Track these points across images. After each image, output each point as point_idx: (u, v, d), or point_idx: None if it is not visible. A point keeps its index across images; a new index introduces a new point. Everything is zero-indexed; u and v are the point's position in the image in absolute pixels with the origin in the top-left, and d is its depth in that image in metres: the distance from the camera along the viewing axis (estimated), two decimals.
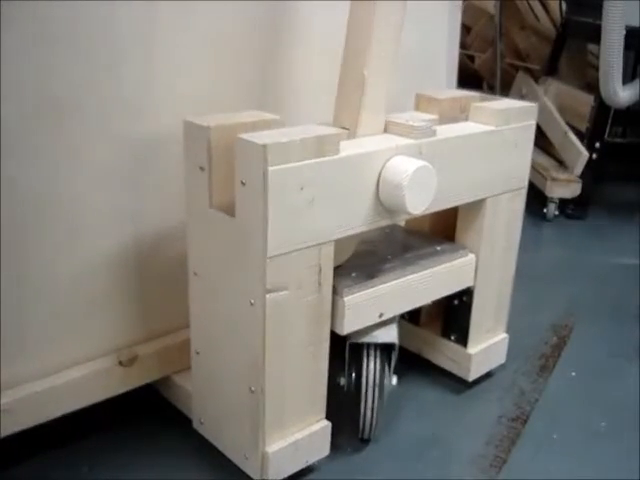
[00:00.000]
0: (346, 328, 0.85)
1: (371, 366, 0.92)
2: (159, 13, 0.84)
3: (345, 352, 0.93)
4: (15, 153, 0.77)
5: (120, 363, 0.91)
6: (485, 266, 1.03)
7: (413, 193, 0.80)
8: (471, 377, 1.08)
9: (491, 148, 0.96)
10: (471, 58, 2.74)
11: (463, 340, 1.07)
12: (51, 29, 0.76)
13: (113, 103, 0.84)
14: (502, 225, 1.03)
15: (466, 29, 2.68)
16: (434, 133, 0.88)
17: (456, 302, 1.05)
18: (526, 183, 1.05)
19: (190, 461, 0.91)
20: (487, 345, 1.09)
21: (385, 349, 0.93)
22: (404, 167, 0.80)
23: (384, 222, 0.85)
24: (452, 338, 1.09)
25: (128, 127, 0.86)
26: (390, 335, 0.92)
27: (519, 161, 1.02)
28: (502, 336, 1.13)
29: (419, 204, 0.82)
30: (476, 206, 0.99)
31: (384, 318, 0.90)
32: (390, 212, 0.84)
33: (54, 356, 0.87)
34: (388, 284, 0.89)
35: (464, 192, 0.95)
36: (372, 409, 0.93)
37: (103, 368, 0.90)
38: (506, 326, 1.13)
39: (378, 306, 0.88)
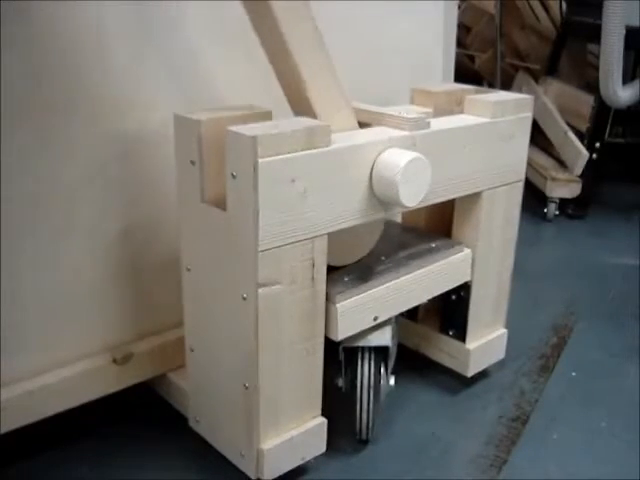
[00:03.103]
0: (340, 334, 0.85)
1: (365, 369, 0.91)
2: (150, 12, 0.84)
3: (340, 354, 0.92)
4: (5, 152, 0.77)
5: (114, 361, 0.90)
6: (482, 260, 1.02)
7: (407, 185, 0.79)
8: (470, 373, 1.07)
9: (486, 140, 0.96)
10: (471, 58, 2.74)
11: (461, 335, 1.06)
12: (41, 28, 0.76)
13: (104, 100, 0.83)
14: (499, 218, 1.03)
15: (466, 29, 2.68)
16: (428, 125, 0.87)
17: (454, 297, 1.05)
18: (523, 176, 1.05)
19: (187, 459, 0.91)
20: (486, 340, 1.09)
21: (379, 351, 0.92)
22: (397, 159, 0.79)
23: (378, 215, 0.84)
24: (450, 334, 1.08)
25: (119, 123, 0.85)
26: (384, 338, 0.91)
27: (515, 154, 1.02)
28: (501, 331, 1.12)
29: (413, 196, 0.81)
30: (472, 199, 0.98)
31: (379, 321, 0.89)
32: (384, 205, 0.83)
33: (48, 354, 0.86)
34: (382, 287, 0.88)
35: (460, 185, 0.94)
36: (368, 411, 0.92)
37: (97, 366, 0.89)
38: (505, 321, 1.13)
39: (372, 310, 0.88)
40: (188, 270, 0.83)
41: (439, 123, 0.90)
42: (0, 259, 0.79)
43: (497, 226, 1.03)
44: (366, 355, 0.91)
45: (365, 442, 0.96)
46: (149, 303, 0.95)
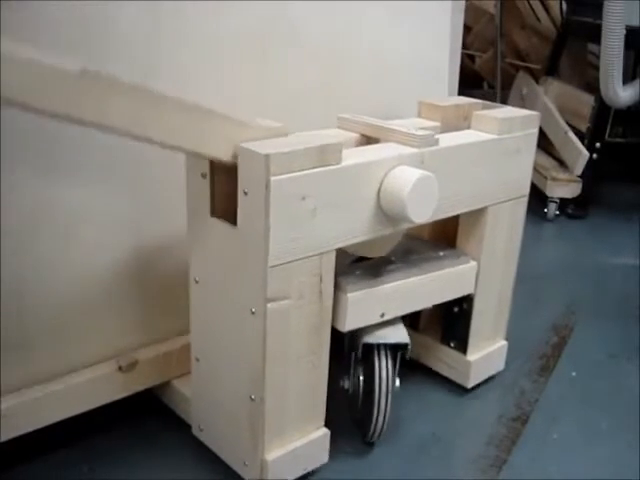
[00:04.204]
0: (348, 325, 0.85)
1: (383, 368, 0.90)
2: (159, 18, 0.84)
3: (351, 354, 0.93)
4: (12, 159, 0.77)
5: (120, 368, 0.91)
6: (485, 274, 1.03)
7: (415, 203, 0.79)
8: (470, 384, 1.08)
9: (493, 156, 0.96)
10: (471, 58, 2.74)
11: (462, 347, 1.07)
12: (48, 32, 0.76)
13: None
14: (503, 233, 1.03)
15: (466, 29, 2.67)
16: (436, 142, 0.87)
17: (456, 309, 1.05)
18: (527, 191, 1.05)
19: (190, 463, 0.91)
20: (486, 352, 1.09)
21: (394, 350, 0.92)
22: (406, 177, 0.79)
23: (386, 231, 0.85)
24: (451, 345, 1.08)
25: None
26: (402, 335, 0.91)
27: (521, 169, 1.02)
28: (501, 343, 1.13)
29: (421, 213, 0.81)
30: (477, 214, 0.99)
31: (385, 318, 0.90)
32: (392, 220, 0.84)
33: (54, 361, 0.87)
34: (391, 284, 0.89)
35: (466, 200, 0.95)
36: (384, 413, 0.92)
37: (103, 374, 0.89)
38: (505, 333, 1.13)
39: (380, 305, 0.89)
40: (196, 282, 0.84)
41: (447, 140, 0.90)
42: (1, 267, 0.79)
43: (501, 240, 1.03)
44: (384, 353, 0.91)
45: (371, 444, 0.96)
46: (155, 310, 0.95)
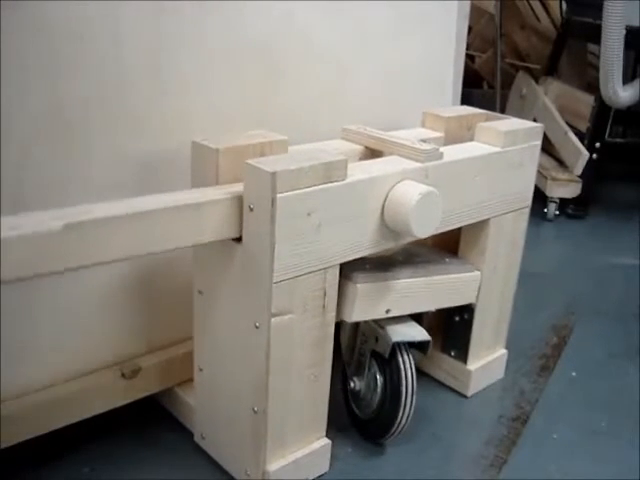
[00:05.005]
0: (355, 316, 0.85)
1: (408, 367, 0.90)
2: (166, 30, 0.84)
3: (364, 354, 0.92)
4: (22, 170, 0.76)
5: (123, 375, 0.90)
6: (487, 284, 1.03)
7: (419, 218, 0.80)
8: (470, 393, 1.09)
9: (496, 169, 0.96)
10: (471, 58, 2.74)
11: (463, 356, 1.07)
12: (58, 44, 0.75)
13: (121, 121, 0.83)
14: (505, 244, 1.03)
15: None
16: (441, 156, 0.87)
17: (457, 319, 1.06)
18: (529, 202, 1.05)
19: (191, 464, 0.92)
20: (486, 361, 1.10)
21: (414, 348, 0.92)
22: (410, 193, 0.80)
23: (389, 244, 0.85)
24: (452, 354, 1.09)
25: (136, 145, 0.85)
26: (424, 333, 0.91)
27: (523, 181, 1.02)
28: (501, 352, 1.13)
29: (426, 228, 0.82)
30: (480, 226, 0.99)
31: (390, 315, 0.90)
32: (395, 234, 0.84)
33: (57, 368, 0.86)
34: (398, 281, 0.90)
35: (469, 213, 0.95)
36: (409, 412, 0.91)
37: (106, 380, 0.89)
38: (505, 342, 1.14)
39: (386, 301, 0.89)
40: (200, 293, 0.84)
41: (451, 153, 0.90)
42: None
43: (503, 251, 1.03)
44: (406, 352, 0.90)
45: (375, 445, 0.96)
46: (158, 317, 0.94)
